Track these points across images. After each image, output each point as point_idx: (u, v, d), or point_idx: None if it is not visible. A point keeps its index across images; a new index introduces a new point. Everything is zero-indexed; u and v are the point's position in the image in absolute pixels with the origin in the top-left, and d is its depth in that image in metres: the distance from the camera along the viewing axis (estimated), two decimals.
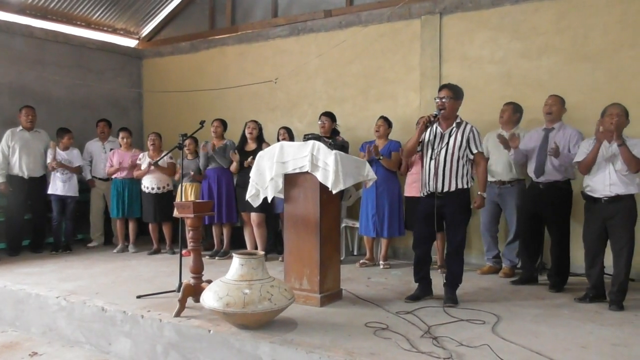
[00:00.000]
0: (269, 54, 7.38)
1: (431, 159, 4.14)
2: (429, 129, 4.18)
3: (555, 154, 4.44)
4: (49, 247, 6.77)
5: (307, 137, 4.27)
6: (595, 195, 4.15)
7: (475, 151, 4.11)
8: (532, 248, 4.92)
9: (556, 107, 4.77)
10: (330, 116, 5.95)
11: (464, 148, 4.09)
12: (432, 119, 4.09)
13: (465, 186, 4.12)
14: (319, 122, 5.93)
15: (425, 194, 4.21)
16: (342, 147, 4.43)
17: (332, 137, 5.42)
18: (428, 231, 4.18)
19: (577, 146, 4.51)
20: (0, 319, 4.65)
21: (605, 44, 5.24)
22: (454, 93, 4.14)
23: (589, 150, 4.19)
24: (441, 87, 4.25)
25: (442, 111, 4.09)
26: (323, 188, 4.03)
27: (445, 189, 4.08)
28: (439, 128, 4.16)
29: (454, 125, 4.12)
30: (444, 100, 4.09)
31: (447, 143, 4.09)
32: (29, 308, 4.47)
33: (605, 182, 4.08)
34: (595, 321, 3.67)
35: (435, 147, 4.13)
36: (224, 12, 8.00)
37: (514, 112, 5.25)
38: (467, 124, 4.16)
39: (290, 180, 4.22)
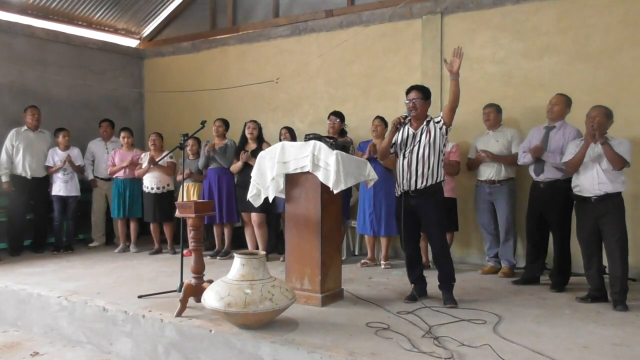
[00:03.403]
0: (270, 54, 7.38)
1: (404, 157, 4.16)
2: (400, 130, 4.20)
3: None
4: (50, 247, 6.78)
5: (308, 137, 4.27)
6: (585, 195, 4.19)
7: (441, 112, 4.15)
8: (538, 249, 4.91)
9: (558, 107, 4.78)
10: (340, 116, 5.97)
11: (439, 138, 4.10)
12: (403, 120, 4.12)
13: (439, 179, 4.14)
14: (329, 122, 5.95)
15: (399, 193, 4.22)
16: (344, 147, 4.43)
17: (337, 137, 5.44)
18: (410, 230, 4.19)
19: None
20: (2, 319, 4.66)
21: (606, 44, 5.24)
22: (424, 94, 4.19)
23: (576, 151, 4.25)
24: (410, 89, 4.25)
25: (413, 112, 4.12)
26: (324, 188, 4.03)
27: (419, 186, 4.09)
28: (410, 128, 4.19)
29: (424, 123, 4.16)
30: (414, 101, 4.13)
31: (420, 141, 4.12)
32: (31, 308, 4.48)
33: (594, 182, 4.13)
34: (597, 321, 3.67)
35: (407, 146, 4.16)
36: (225, 12, 8.01)
37: (497, 113, 5.36)
38: (433, 117, 4.20)
39: (292, 180, 4.22)
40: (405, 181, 4.15)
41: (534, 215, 4.85)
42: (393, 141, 4.24)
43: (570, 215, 4.73)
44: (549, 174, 4.70)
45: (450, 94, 4.07)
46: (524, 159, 4.88)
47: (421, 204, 4.11)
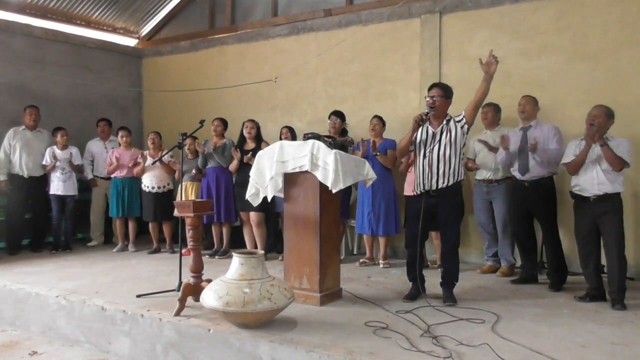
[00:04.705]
0: (268, 53, 7.38)
1: (424, 157, 4.15)
2: (420, 128, 4.18)
3: (533, 149, 4.60)
4: (48, 247, 6.76)
5: (306, 137, 4.27)
6: (585, 195, 4.21)
7: (462, 111, 4.12)
8: (527, 247, 4.94)
9: (529, 106, 4.90)
10: (340, 116, 5.98)
11: (460, 137, 4.09)
12: (424, 117, 4.10)
13: (459, 178, 4.15)
14: (329, 122, 5.95)
15: (419, 192, 4.21)
16: (342, 146, 4.44)
17: (337, 137, 5.43)
18: (422, 230, 4.17)
19: (556, 141, 4.68)
20: (0, 318, 4.65)
21: (604, 43, 5.24)
22: (445, 92, 4.16)
23: (576, 151, 4.26)
24: (431, 86, 4.25)
25: (433, 109, 4.11)
26: (323, 187, 4.03)
27: (440, 186, 4.09)
28: (430, 128, 4.17)
29: (444, 122, 4.14)
30: (434, 99, 4.11)
31: (440, 141, 4.10)
32: (29, 307, 4.47)
33: (594, 182, 4.15)
34: (595, 320, 3.68)
35: (427, 145, 4.14)
36: (224, 12, 8.01)
37: (495, 112, 5.38)
38: (453, 116, 4.18)
39: (290, 179, 4.22)
40: (426, 181, 4.13)
41: (521, 214, 4.88)
42: (413, 139, 4.22)
43: (556, 211, 4.77)
44: (534, 173, 4.74)
45: (478, 93, 4.05)
46: (499, 157, 4.94)
47: (440, 203, 4.10)
